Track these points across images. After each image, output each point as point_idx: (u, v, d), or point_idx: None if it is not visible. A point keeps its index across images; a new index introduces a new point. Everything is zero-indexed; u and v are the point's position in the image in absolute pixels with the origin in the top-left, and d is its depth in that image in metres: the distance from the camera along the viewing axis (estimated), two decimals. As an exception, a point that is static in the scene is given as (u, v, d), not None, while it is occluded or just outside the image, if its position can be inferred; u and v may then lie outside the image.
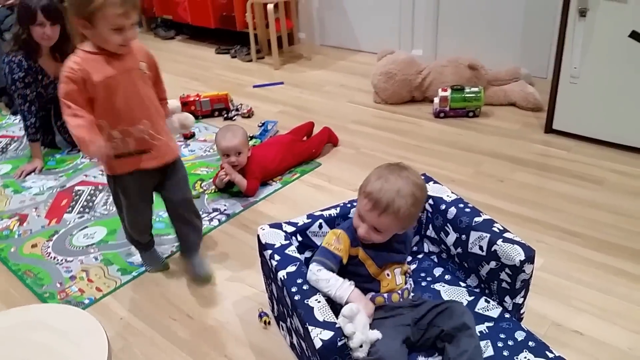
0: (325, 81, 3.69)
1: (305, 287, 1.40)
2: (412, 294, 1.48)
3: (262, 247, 1.57)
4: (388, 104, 3.19)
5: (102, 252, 2.08)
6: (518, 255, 1.43)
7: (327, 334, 1.26)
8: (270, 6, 3.78)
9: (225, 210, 2.30)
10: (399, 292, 1.44)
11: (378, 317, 1.39)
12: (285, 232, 1.61)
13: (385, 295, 1.42)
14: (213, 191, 2.44)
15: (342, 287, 1.37)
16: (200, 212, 2.26)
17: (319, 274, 1.38)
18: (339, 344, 1.26)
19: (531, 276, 1.48)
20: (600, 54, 2.39)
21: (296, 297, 1.37)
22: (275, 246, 1.54)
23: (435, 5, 3.60)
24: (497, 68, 3.16)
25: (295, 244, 1.60)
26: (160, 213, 2.30)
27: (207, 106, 3.20)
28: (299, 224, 1.65)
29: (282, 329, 1.61)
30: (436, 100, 2.98)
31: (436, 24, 3.67)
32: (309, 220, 1.67)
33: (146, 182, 1.76)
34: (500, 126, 2.85)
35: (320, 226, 1.67)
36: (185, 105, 3.16)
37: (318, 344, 1.25)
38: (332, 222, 1.69)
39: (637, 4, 2.24)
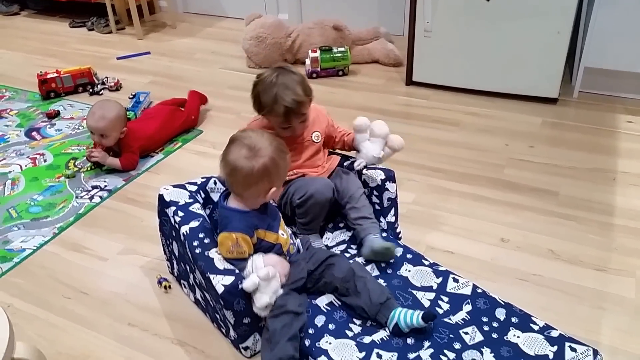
0: (195, 49, 3.63)
1: (206, 241, 1.44)
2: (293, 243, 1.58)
3: (165, 205, 1.58)
4: (262, 68, 3.24)
5: (-28, 243, 1.93)
6: (379, 175, 1.71)
7: (229, 279, 1.33)
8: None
9: (106, 186, 2.23)
10: (291, 242, 1.55)
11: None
12: (190, 191, 1.63)
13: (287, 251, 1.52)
14: (89, 168, 2.35)
15: (257, 262, 1.38)
16: (79, 191, 2.18)
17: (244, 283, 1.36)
18: (240, 286, 1.34)
19: (396, 196, 1.72)
20: (450, 9, 2.64)
21: (197, 251, 1.42)
22: (180, 203, 1.56)
23: (296, -31, 3.68)
24: (358, 28, 3.34)
25: (201, 200, 1.64)
26: (34, 197, 2.18)
27: (70, 82, 3.00)
28: (198, 183, 1.69)
29: (185, 287, 1.65)
30: (307, 61, 3.09)
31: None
32: (204, 179, 1.71)
33: None
34: (367, 82, 3.05)
35: (215, 182, 1.71)
36: (45, 83, 2.95)
37: (220, 289, 1.31)
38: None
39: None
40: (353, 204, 1.68)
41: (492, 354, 1.35)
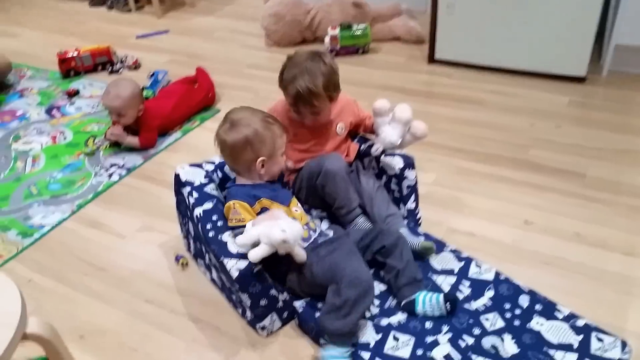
0: (214, 27, 3.60)
1: (219, 224, 1.43)
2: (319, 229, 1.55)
3: (181, 185, 1.56)
4: (280, 46, 3.19)
5: (-7, 219, 1.95)
6: (398, 163, 1.65)
7: (243, 263, 1.31)
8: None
9: (124, 164, 2.23)
10: (305, 226, 1.49)
11: (324, 254, 1.42)
12: (206, 170, 1.62)
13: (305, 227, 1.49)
14: (108, 146, 2.35)
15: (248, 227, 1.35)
16: (98, 169, 2.19)
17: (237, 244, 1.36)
18: (255, 270, 1.32)
19: (416, 183, 1.67)
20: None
21: (210, 234, 1.40)
22: (195, 184, 1.55)
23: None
24: (379, 5, 3.26)
25: (217, 180, 1.62)
26: (54, 174, 2.19)
27: (89, 61, 3.00)
28: (216, 162, 1.67)
29: (202, 266, 1.64)
30: (327, 39, 3.03)
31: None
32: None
33: None
34: (387, 60, 2.98)
35: None
36: (65, 62, 2.95)
37: (235, 273, 1.30)
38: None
39: None
40: (372, 206, 1.65)
41: (514, 340, 1.32)
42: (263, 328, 1.42)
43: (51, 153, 2.32)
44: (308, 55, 1.58)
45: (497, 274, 1.50)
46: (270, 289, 1.37)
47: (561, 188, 1.91)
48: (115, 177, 2.14)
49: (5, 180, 2.16)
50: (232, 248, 1.35)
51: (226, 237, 1.39)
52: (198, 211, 1.46)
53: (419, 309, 1.38)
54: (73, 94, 2.79)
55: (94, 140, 2.38)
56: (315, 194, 1.65)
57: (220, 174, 1.65)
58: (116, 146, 2.34)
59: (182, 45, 3.35)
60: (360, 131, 1.80)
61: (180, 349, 1.43)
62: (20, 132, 2.49)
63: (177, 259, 1.69)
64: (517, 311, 1.39)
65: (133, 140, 2.29)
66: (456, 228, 1.76)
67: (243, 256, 1.32)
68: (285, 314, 1.44)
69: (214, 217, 1.44)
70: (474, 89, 2.62)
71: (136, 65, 3.06)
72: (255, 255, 1.27)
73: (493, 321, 1.37)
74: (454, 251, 1.59)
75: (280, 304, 1.41)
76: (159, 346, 1.44)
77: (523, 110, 2.41)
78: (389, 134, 1.64)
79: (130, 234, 1.84)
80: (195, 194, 1.51)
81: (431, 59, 2.87)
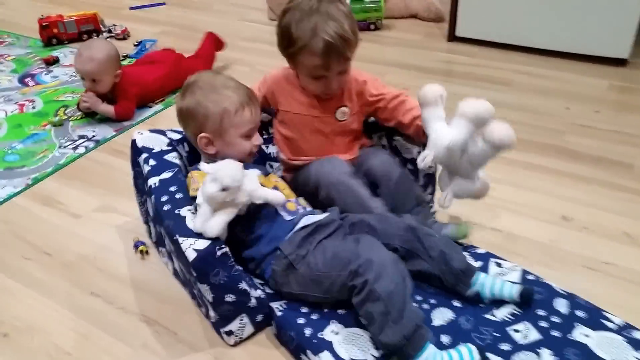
0: (214, 0, 3.31)
1: (178, 196, 1.13)
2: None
3: (137, 153, 1.27)
4: (283, 20, 2.89)
5: None
6: (415, 147, 1.33)
7: (203, 243, 1.01)
8: None
9: (94, 136, 1.94)
10: (293, 200, 1.24)
11: (320, 238, 1.14)
12: (170, 138, 1.32)
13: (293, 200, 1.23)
14: (80, 117, 2.06)
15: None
16: (65, 141, 1.90)
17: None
18: (219, 253, 1.02)
19: (435, 171, 1.36)
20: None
21: (165, 207, 1.10)
22: (154, 150, 1.26)
23: None
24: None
25: (184, 153, 1.32)
26: (13, 144, 1.91)
27: (73, 28, 2.72)
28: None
29: (163, 256, 1.34)
30: (335, 12, 2.72)
31: None
32: None
33: None
34: (402, 37, 2.67)
35: None
36: (46, 27, 2.68)
37: (191, 255, 0.99)
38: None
39: None
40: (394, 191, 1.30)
41: (554, 357, 1.01)
42: (229, 333, 1.11)
43: (15, 122, 2.04)
44: None
45: (525, 273, 1.20)
46: (239, 280, 1.06)
47: (605, 179, 1.59)
48: (81, 150, 1.86)
49: (-44, 150, 1.88)
50: (192, 224, 1.05)
51: (185, 211, 1.09)
52: (153, 181, 1.16)
53: (485, 294, 1.13)
54: (52, 62, 2.51)
55: (64, 111, 2.10)
56: (317, 202, 1.29)
57: (187, 148, 1.34)
58: (89, 117, 2.05)
59: (177, 17, 3.06)
60: (410, 133, 1.33)
61: (124, 356, 1.13)
62: (-14, 100, 2.22)
63: (137, 245, 1.39)
64: (555, 319, 1.08)
65: (108, 108, 2.00)
66: (478, 222, 1.45)
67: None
68: (259, 317, 1.13)
69: (172, 188, 1.14)
70: (500, 68, 2.30)
71: (125, 35, 2.78)
72: (210, 226, 0.99)
73: (525, 333, 1.06)
74: (468, 247, 1.28)
75: (254, 302, 1.10)
76: (98, 351, 1.14)
77: (556, 92, 2.09)
78: (443, 133, 1.13)
79: (86, 214, 1.55)
80: (152, 162, 1.21)
81: (452, 36, 2.55)
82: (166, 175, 1.17)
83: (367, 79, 1.36)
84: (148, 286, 1.30)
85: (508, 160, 1.69)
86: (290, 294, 1.14)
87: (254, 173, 1.15)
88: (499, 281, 1.13)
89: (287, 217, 1.17)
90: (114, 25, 2.83)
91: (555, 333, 1.06)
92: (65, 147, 1.87)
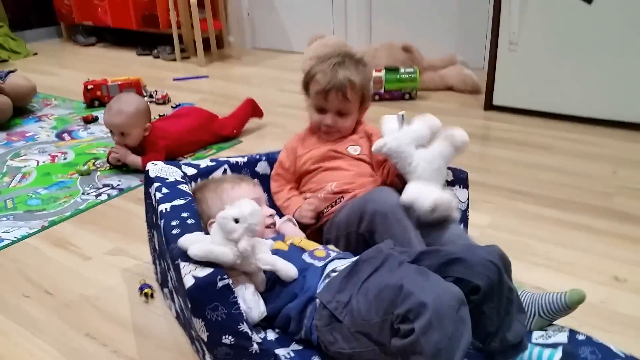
0: (255, 75, 3.41)
1: (189, 222, 1.04)
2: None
3: (149, 183, 1.21)
4: (319, 89, 2.92)
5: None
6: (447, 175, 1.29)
7: (204, 271, 0.91)
8: (193, 0, 3.50)
9: (118, 185, 1.91)
10: (321, 247, 1.14)
11: (368, 275, 0.96)
12: (184, 172, 1.28)
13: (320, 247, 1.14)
14: (107, 168, 2.05)
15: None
16: (89, 188, 1.88)
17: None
18: (220, 284, 0.90)
19: (468, 207, 1.31)
20: (541, 15, 2.21)
21: (174, 231, 1.01)
22: (167, 180, 1.20)
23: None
24: (432, 56, 2.97)
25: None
26: (38, 190, 1.90)
27: (115, 91, 2.81)
28: (201, 166, 1.35)
29: (167, 298, 1.23)
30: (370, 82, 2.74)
31: (369, 13, 3.51)
32: (213, 163, 1.38)
33: None
34: (438, 106, 2.63)
35: (224, 172, 1.38)
36: (90, 90, 2.78)
37: (189, 282, 0.89)
38: (237, 169, 1.42)
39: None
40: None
41: None
42: (227, 384, 0.97)
43: (44, 171, 2.05)
44: (346, 53, 1.41)
45: (573, 334, 1.02)
46: (240, 320, 0.94)
47: (662, 242, 1.42)
48: (103, 197, 1.82)
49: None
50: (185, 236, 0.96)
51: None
52: (164, 206, 1.08)
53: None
54: (90, 121, 2.58)
55: (94, 162, 2.10)
56: (357, 245, 1.17)
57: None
58: (118, 169, 2.04)
59: (217, 87, 3.15)
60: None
61: (108, 403, 1.00)
62: (22, 151, 2.26)
63: (142, 288, 1.29)
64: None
65: (136, 159, 1.98)
66: (518, 279, 1.28)
67: (209, 263, 0.93)
68: (263, 367, 0.99)
69: (184, 214, 1.06)
70: (540, 134, 2.20)
71: (165, 100, 2.85)
72: (193, 246, 0.93)
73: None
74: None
75: (255, 348, 0.96)
76: (81, 397, 1.01)
77: (600, 157, 1.97)
78: (389, 123, 1.25)
79: (97, 257, 1.47)
80: (164, 190, 1.14)
81: (488, 105, 2.49)
82: (179, 202, 1.10)
83: (375, 133, 1.37)
84: (148, 330, 1.18)
85: (554, 220, 1.56)
86: (341, 354, 0.96)
87: (267, 242, 1.09)
88: (536, 351, 0.95)
89: (319, 264, 1.06)
90: (155, 90, 2.92)
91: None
92: (88, 193, 1.85)
